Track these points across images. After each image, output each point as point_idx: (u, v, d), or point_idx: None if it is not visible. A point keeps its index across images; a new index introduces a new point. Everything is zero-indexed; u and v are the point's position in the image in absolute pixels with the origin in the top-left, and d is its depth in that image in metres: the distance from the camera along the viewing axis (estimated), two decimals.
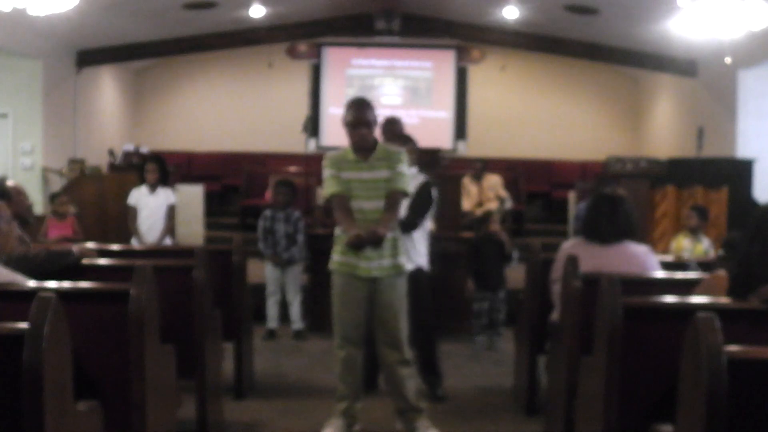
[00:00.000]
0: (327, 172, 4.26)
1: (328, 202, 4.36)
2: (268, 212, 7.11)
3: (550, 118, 13.16)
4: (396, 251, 4.25)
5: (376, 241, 4.07)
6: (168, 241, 7.24)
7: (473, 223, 7.17)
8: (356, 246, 4.09)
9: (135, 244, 7.01)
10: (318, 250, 6.92)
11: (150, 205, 7.20)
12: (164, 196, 7.25)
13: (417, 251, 5.00)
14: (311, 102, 13.24)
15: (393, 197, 4.22)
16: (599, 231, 4.25)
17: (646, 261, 4.22)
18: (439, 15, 11.86)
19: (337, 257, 4.28)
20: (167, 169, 7.43)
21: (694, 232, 6.75)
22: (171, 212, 7.24)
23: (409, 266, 4.39)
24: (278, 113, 13.02)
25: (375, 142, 4.27)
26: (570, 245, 4.38)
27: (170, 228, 7.28)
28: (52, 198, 7.86)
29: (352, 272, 4.21)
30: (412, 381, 4.32)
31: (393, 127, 5.28)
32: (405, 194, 4.30)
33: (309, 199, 10.57)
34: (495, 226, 6.85)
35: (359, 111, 4.20)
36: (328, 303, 4.44)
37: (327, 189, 4.29)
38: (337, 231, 4.29)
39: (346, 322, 4.26)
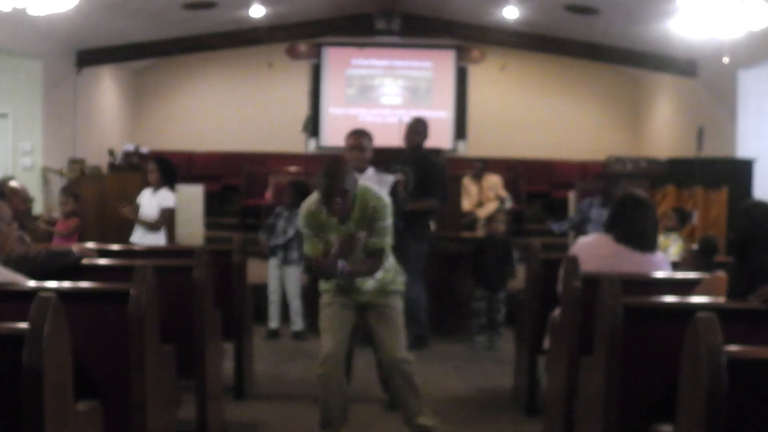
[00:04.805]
0: (304, 232, 4.13)
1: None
2: (278, 209, 7.19)
3: (550, 118, 13.15)
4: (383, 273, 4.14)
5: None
6: (151, 237, 6.78)
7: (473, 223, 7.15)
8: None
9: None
10: None
11: (144, 206, 6.99)
12: (161, 197, 6.96)
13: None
14: (311, 102, 13.25)
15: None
16: (645, 239, 4.08)
17: (666, 268, 4.19)
18: (439, 15, 11.86)
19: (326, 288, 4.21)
20: (172, 170, 7.09)
21: (668, 233, 6.45)
22: (163, 214, 6.79)
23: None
24: (278, 113, 13.03)
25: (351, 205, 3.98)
26: (595, 243, 4.19)
27: (153, 225, 6.77)
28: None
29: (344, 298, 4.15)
30: (416, 383, 4.16)
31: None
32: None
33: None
34: (500, 226, 6.83)
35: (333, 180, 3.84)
36: None
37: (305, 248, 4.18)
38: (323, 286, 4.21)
39: (332, 339, 4.08)
